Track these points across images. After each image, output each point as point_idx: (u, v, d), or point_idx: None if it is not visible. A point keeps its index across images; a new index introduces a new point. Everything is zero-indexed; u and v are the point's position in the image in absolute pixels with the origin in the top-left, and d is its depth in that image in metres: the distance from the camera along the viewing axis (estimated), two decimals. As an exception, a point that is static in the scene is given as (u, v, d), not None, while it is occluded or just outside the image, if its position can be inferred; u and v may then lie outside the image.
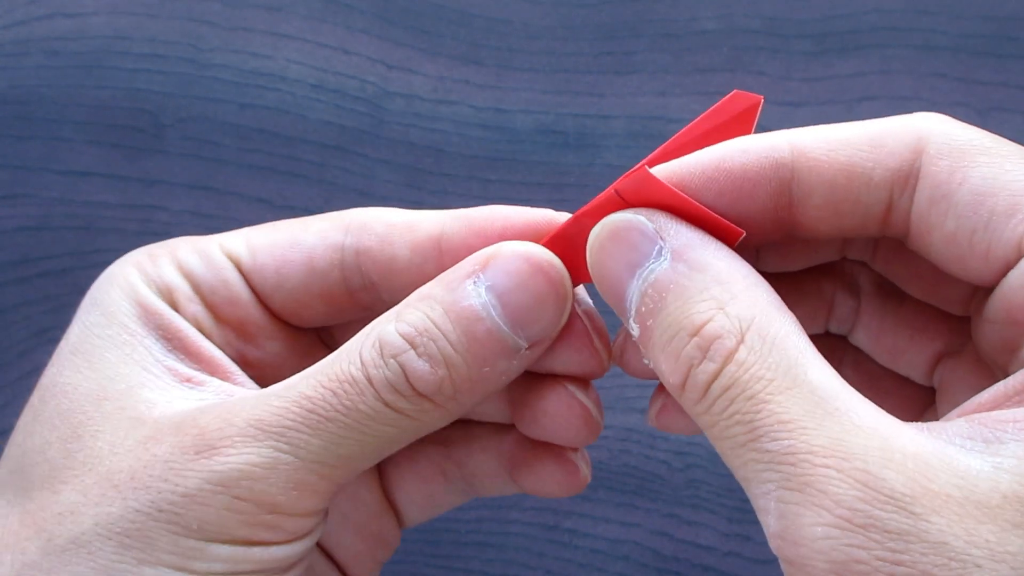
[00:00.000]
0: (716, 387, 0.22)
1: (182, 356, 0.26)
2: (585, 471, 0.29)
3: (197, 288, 0.27)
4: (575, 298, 0.26)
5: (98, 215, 0.45)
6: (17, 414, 0.26)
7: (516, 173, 0.45)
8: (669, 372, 0.23)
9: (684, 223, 0.23)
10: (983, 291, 0.24)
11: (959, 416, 0.22)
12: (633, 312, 0.23)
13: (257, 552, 0.24)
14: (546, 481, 0.29)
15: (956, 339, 0.27)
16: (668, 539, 0.42)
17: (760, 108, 0.24)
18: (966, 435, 0.21)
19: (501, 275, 0.25)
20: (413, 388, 0.24)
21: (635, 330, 0.23)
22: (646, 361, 0.24)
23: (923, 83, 0.44)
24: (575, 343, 0.26)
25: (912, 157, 0.23)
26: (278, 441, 0.23)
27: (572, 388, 0.27)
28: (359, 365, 0.24)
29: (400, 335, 0.24)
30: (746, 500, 0.42)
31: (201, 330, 0.27)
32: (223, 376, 0.27)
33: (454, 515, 0.42)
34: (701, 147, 0.24)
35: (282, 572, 0.25)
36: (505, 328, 0.24)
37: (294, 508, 0.24)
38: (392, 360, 0.24)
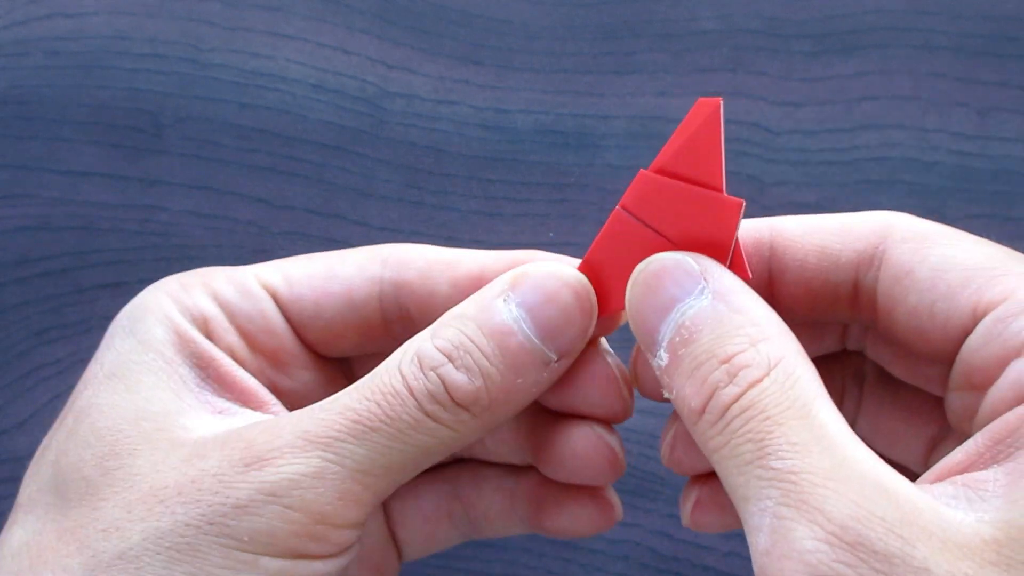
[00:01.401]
0: (735, 408, 0.23)
1: (215, 386, 0.27)
2: (618, 507, 0.30)
3: (233, 318, 0.28)
4: (601, 345, 0.28)
5: (98, 215, 0.46)
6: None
7: (516, 173, 0.45)
8: (692, 395, 0.24)
9: (727, 269, 0.25)
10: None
11: (935, 477, 0.23)
12: (665, 342, 0.24)
13: (303, 566, 0.24)
14: (577, 520, 0.30)
15: (947, 425, 0.28)
16: (668, 539, 0.42)
17: (721, 108, 0.25)
18: (951, 495, 0.22)
19: (529, 292, 0.26)
20: (452, 398, 0.25)
21: (663, 359, 0.25)
22: (665, 394, 0.25)
23: (923, 83, 0.44)
24: (602, 384, 0.27)
25: (877, 241, 0.26)
26: (325, 451, 0.24)
27: (598, 429, 0.28)
28: (400, 378, 0.25)
29: (438, 349, 0.25)
30: (746, 500, 0.42)
31: (236, 359, 0.28)
32: (256, 406, 0.27)
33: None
34: (685, 155, 0.26)
35: None
36: (536, 340, 0.26)
37: (340, 518, 0.24)
38: (432, 372, 0.25)
